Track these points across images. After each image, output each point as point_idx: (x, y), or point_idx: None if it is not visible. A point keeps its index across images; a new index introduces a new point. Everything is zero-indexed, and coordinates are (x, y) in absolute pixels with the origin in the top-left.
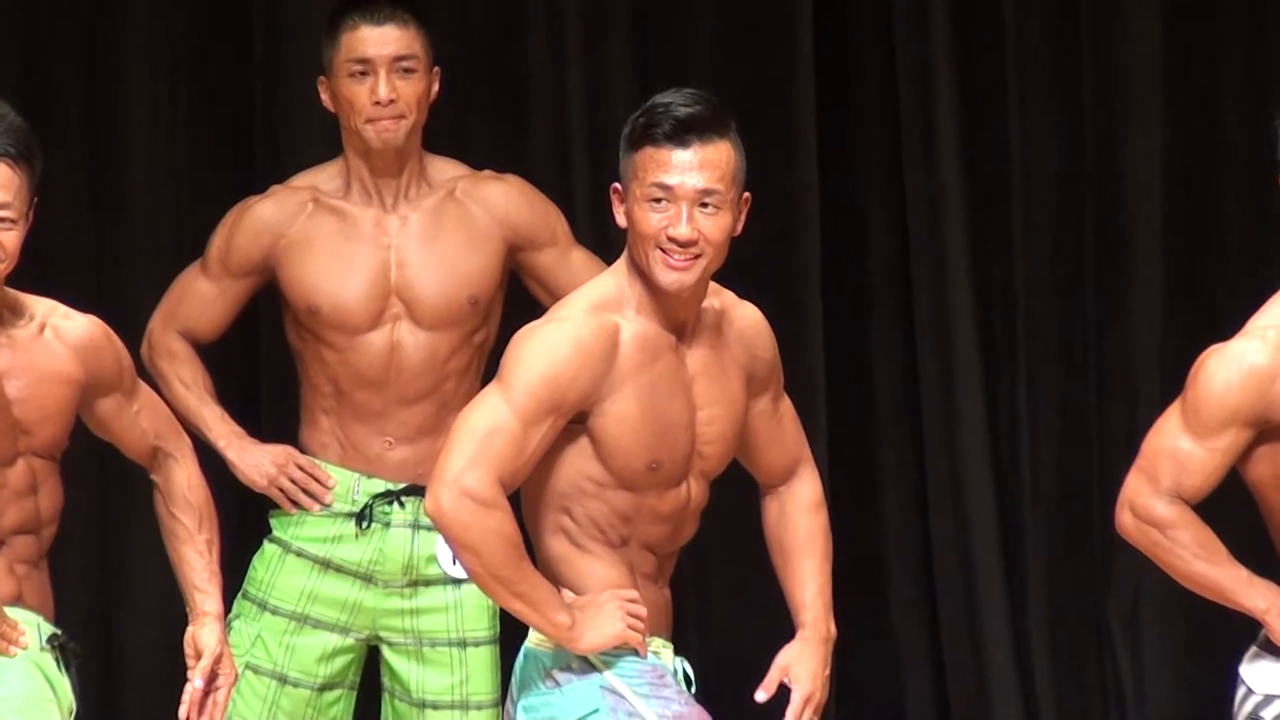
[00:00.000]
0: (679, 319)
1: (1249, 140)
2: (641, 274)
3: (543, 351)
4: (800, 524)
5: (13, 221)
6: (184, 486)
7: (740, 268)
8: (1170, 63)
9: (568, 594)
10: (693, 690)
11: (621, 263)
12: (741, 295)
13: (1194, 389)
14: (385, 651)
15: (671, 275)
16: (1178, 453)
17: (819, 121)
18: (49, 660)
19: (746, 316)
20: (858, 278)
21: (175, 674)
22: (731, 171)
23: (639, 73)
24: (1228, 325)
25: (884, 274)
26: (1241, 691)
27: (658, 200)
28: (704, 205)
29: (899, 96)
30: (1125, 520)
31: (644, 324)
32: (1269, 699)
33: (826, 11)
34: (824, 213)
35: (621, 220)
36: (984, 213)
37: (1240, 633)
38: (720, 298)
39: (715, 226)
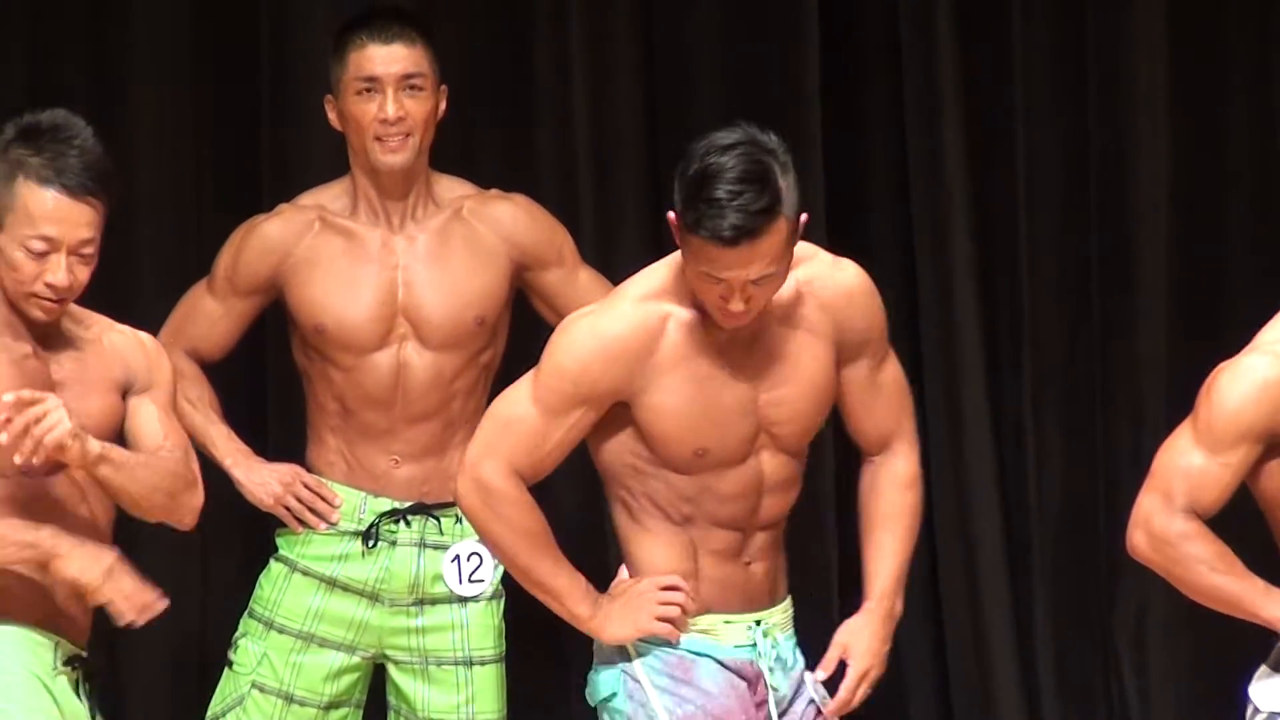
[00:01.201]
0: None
1: (1255, 156)
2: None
3: (574, 344)
4: (888, 497)
5: (91, 256)
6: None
7: None
8: (1176, 78)
9: (623, 572)
10: (792, 668)
11: (676, 254)
12: None
13: (1207, 405)
14: (391, 670)
15: (730, 323)
16: (1191, 470)
17: (824, 136)
18: (62, 681)
19: (835, 283)
20: None
21: (179, 686)
22: (783, 245)
23: (645, 87)
24: (1233, 341)
25: (889, 288)
26: (1249, 710)
27: (715, 282)
28: (757, 281)
29: (905, 111)
30: (1138, 540)
31: (695, 313)
32: (1275, 718)
33: (832, 26)
34: (829, 227)
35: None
36: (989, 228)
37: (1246, 651)
38: (808, 265)
39: (767, 294)
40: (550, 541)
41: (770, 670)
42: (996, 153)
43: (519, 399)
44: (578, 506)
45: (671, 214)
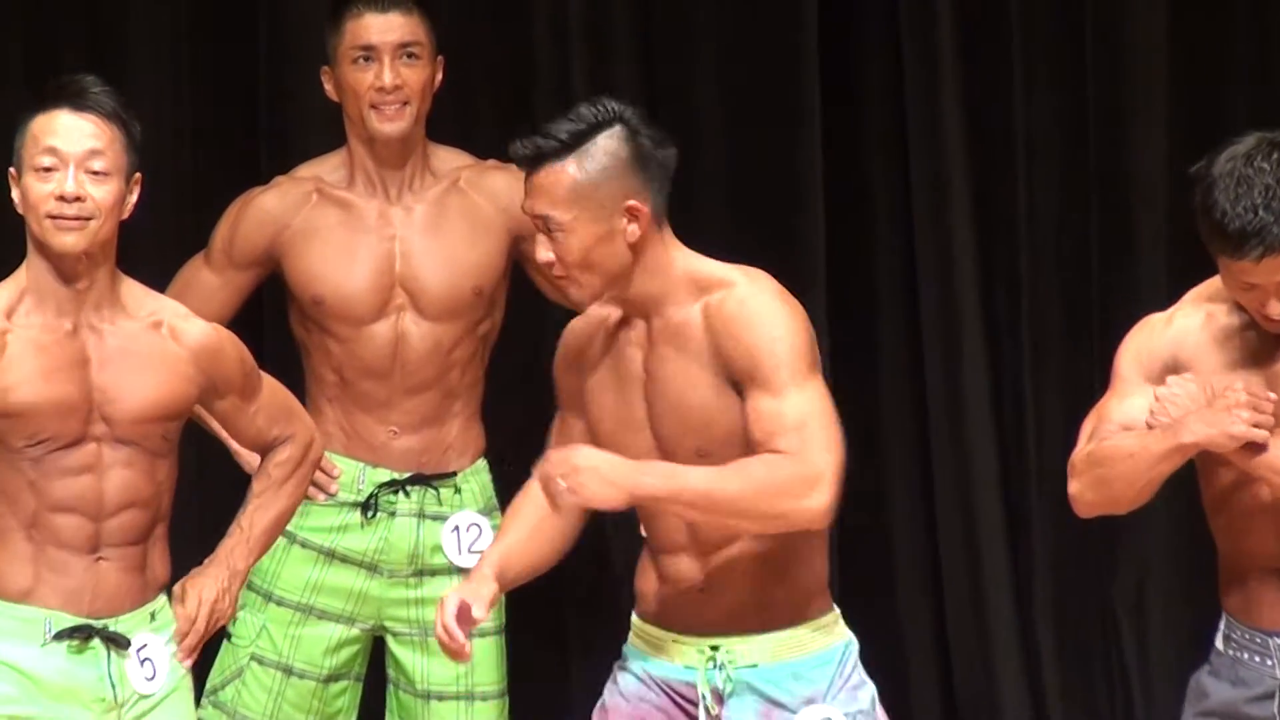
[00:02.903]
0: (636, 313)
1: (1253, 124)
2: None
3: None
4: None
5: (105, 174)
6: (276, 458)
7: (745, 253)
8: (1175, 46)
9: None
10: (781, 699)
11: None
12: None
13: None
14: (390, 642)
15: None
16: (1098, 411)
17: (824, 113)
18: (56, 653)
19: (718, 310)
20: (863, 262)
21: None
22: (566, 192)
23: (642, 61)
24: None
25: (889, 258)
26: None
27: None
28: (549, 231)
29: (904, 80)
30: (1071, 488)
31: (610, 314)
32: None
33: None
34: (828, 197)
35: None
36: (988, 196)
37: None
38: (712, 292)
39: (562, 249)
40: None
41: (712, 698)
42: (995, 119)
43: None
44: None
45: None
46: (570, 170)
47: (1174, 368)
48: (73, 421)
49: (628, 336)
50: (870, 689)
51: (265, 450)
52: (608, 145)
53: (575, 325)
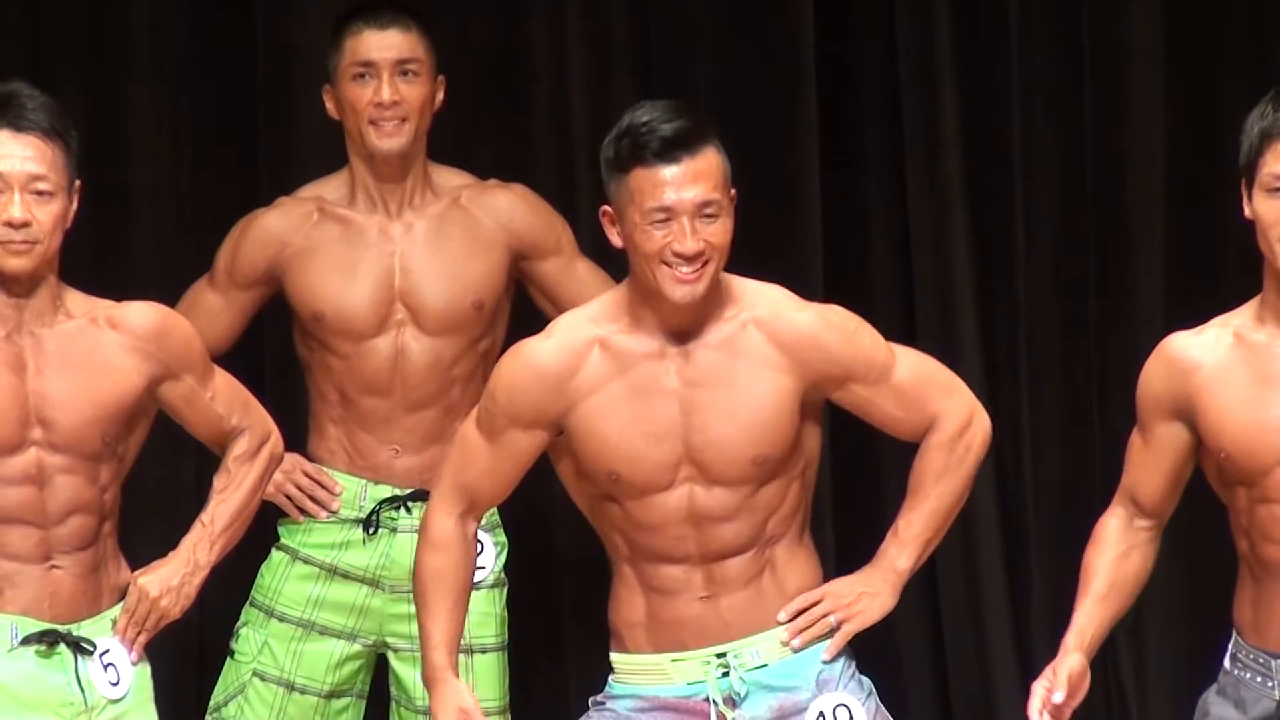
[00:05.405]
0: (681, 328)
1: None
2: (641, 286)
3: (502, 368)
4: (917, 465)
5: (50, 194)
6: (234, 452)
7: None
8: (1173, 71)
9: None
10: (792, 691)
11: (623, 284)
12: None
13: None
14: (392, 659)
15: (683, 289)
16: (1127, 451)
17: (821, 130)
18: (24, 658)
19: (797, 326)
20: (860, 287)
21: (179, 677)
22: (723, 176)
23: (641, 83)
24: None
25: (886, 283)
26: None
27: (660, 220)
28: (705, 216)
29: (902, 105)
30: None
31: (629, 337)
32: None
33: (829, 19)
34: (826, 222)
35: (616, 241)
36: (987, 222)
37: None
38: (763, 307)
39: (718, 232)
40: (437, 592)
41: (725, 702)
42: (993, 145)
43: (469, 422)
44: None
45: (605, 209)
46: (713, 152)
47: (1188, 395)
48: (9, 427)
49: (646, 351)
50: (868, 682)
51: (224, 442)
52: (719, 144)
53: (541, 350)
